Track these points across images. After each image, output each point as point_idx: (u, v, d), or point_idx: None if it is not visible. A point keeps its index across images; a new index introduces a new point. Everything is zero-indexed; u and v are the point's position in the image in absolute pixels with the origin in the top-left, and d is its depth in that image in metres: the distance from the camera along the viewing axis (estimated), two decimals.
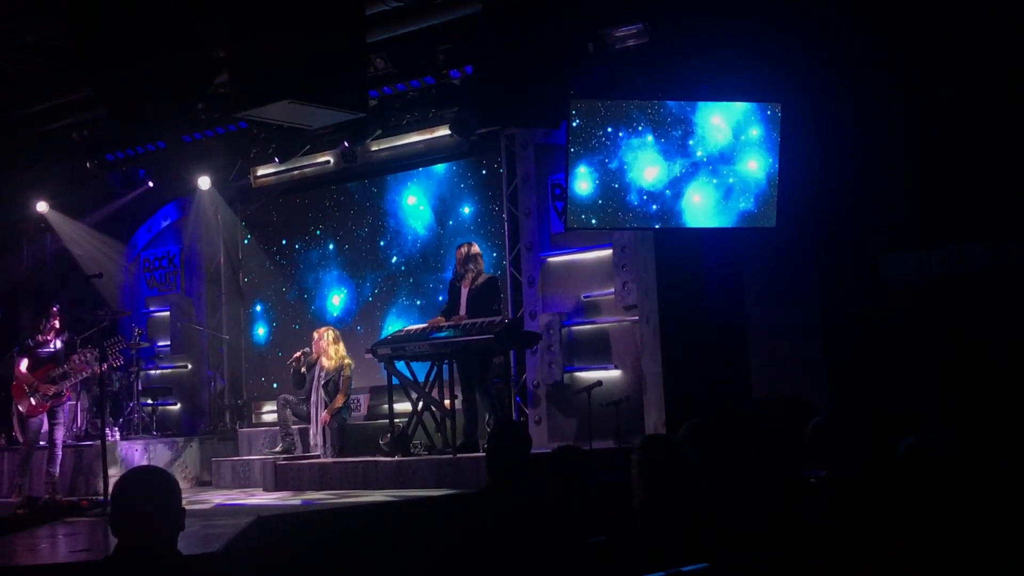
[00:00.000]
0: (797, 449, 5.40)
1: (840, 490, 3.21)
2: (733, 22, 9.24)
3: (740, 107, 9.52)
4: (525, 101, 9.19)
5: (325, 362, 11.36)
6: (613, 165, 9.37)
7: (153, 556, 3.17)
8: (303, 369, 11.51)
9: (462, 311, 10.40)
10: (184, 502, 3.32)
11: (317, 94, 8.14)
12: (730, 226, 9.60)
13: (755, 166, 9.53)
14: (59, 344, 10.92)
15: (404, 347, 10.31)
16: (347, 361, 11.44)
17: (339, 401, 11.20)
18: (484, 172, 12.19)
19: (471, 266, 10.51)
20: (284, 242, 13.89)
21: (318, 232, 13.56)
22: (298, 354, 11.56)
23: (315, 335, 11.62)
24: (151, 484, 3.28)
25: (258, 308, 14.12)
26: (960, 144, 8.94)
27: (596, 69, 9.84)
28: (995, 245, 8.82)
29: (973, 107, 8.87)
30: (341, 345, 11.57)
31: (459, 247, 10.75)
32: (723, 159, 9.50)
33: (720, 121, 9.50)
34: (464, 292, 10.51)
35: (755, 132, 9.51)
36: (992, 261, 8.81)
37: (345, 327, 12.95)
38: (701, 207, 9.52)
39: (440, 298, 11.92)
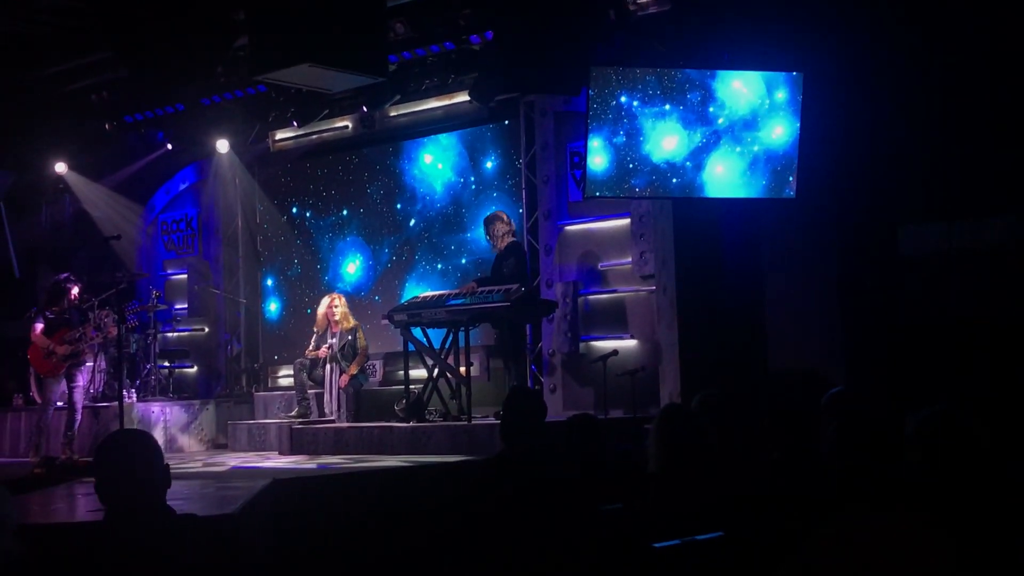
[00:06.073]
0: (812, 421, 5.38)
1: (848, 457, 3.20)
2: None
3: (762, 72, 9.41)
4: (545, 68, 9.14)
5: (339, 326, 11.49)
6: (632, 135, 9.28)
7: (143, 516, 3.17)
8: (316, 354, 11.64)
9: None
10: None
11: (337, 58, 8.13)
12: (753, 197, 9.52)
13: (780, 132, 9.38)
14: (72, 308, 10.95)
15: (421, 314, 10.35)
16: (357, 323, 11.66)
17: (354, 368, 11.31)
18: (507, 122, 12.02)
19: (491, 235, 10.83)
20: (296, 209, 13.88)
21: (333, 197, 13.54)
22: (311, 354, 11.67)
23: (328, 302, 11.70)
24: (131, 446, 3.30)
25: (269, 282, 14.14)
26: (983, 116, 8.85)
27: (617, 37, 9.76)
28: (1017, 218, 8.75)
29: (997, 78, 8.77)
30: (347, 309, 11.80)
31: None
32: (747, 126, 9.37)
33: (742, 85, 9.35)
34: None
35: (780, 95, 9.33)
36: (1014, 235, 8.74)
37: (362, 295, 12.96)
38: (724, 179, 9.39)
39: (463, 260, 12.01)
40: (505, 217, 10.92)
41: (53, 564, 3.15)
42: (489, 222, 10.89)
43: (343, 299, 11.85)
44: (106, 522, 3.21)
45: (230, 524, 5.84)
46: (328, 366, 11.41)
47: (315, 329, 11.79)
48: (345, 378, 11.25)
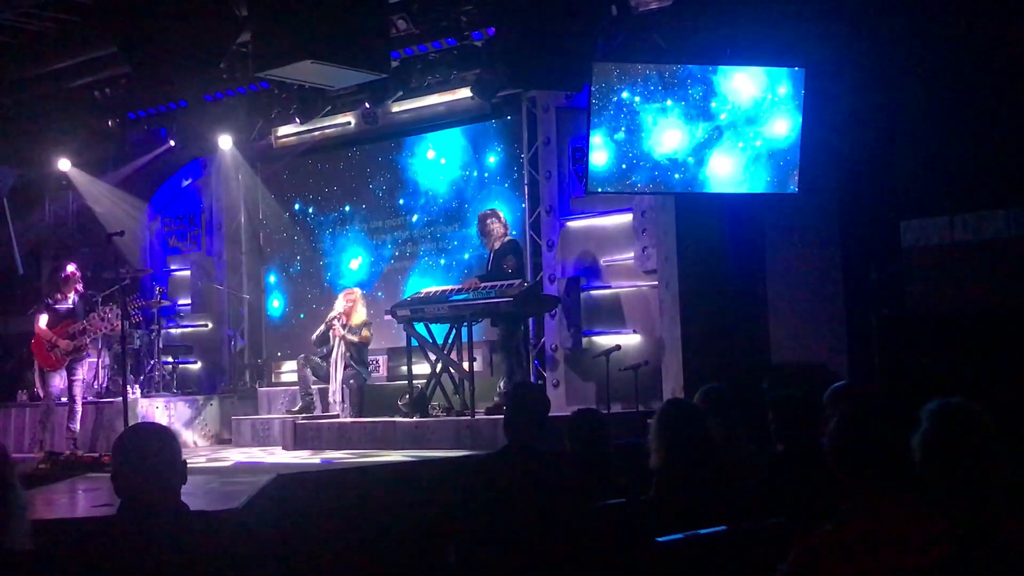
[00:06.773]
0: (816, 415, 5.39)
1: (850, 451, 3.20)
2: None
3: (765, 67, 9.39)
4: (547, 64, 9.14)
5: (350, 319, 11.51)
6: (633, 131, 9.28)
7: (158, 511, 3.18)
8: (331, 332, 11.64)
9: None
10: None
11: (339, 54, 8.14)
12: (755, 192, 9.51)
13: (783, 127, 9.34)
14: (77, 300, 10.99)
15: (424, 309, 10.38)
16: (367, 320, 11.64)
17: (350, 336, 11.36)
18: (509, 117, 12.05)
19: (487, 233, 10.88)
20: (298, 205, 13.90)
21: (335, 193, 13.55)
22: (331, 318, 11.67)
23: (344, 294, 11.75)
24: (150, 440, 3.30)
25: (272, 279, 14.16)
26: (985, 110, 8.85)
27: (618, 32, 9.75)
28: (1020, 212, 8.74)
29: (999, 73, 8.76)
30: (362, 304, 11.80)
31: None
32: (749, 121, 9.34)
33: (744, 81, 9.33)
34: (490, 257, 10.85)
35: (783, 90, 9.30)
36: (1017, 228, 8.73)
37: (365, 292, 12.97)
38: (726, 174, 9.37)
39: (466, 255, 12.01)
40: (501, 216, 10.94)
41: (62, 558, 3.16)
42: (486, 219, 10.89)
43: (359, 293, 11.87)
44: (119, 515, 3.22)
45: (225, 516, 5.85)
46: (334, 357, 11.42)
47: (325, 321, 11.79)
48: (340, 331, 11.30)
